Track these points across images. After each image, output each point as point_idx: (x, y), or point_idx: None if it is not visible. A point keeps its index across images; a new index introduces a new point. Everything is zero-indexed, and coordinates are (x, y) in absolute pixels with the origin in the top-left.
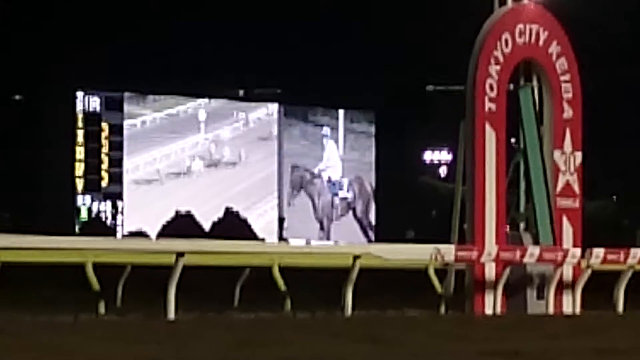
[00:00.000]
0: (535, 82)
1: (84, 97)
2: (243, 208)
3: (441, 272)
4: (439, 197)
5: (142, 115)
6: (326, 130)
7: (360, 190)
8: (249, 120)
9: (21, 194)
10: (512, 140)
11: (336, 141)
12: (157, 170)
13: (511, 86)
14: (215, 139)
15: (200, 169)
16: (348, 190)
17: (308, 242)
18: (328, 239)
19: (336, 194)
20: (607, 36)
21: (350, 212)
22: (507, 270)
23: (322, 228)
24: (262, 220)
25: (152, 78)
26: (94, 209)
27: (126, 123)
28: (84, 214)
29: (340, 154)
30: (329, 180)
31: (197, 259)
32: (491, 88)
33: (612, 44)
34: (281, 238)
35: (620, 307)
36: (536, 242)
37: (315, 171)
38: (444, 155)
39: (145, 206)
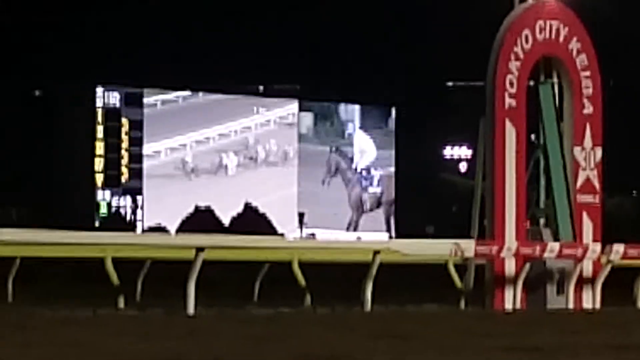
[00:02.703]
0: (555, 79)
1: (103, 92)
2: (262, 203)
3: (461, 268)
4: (459, 192)
5: (160, 111)
6: (350, 126)
7: (389, 185)
8: (268, 116)
9: (41, 189)
10: (532, 136)
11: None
12: (178, 164)
13: (531, 82)
14: (235, 134)
15: (216, 164)
16: (378, 185)
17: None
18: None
19: (366, 189)
20: (627, 32)
21: (382, 207)
22: (527, 266)
23: (354, 218)
24: (281, 215)
25: (171, 74)
26: (114, 204)
27: (145, 118)
28: (103, 209)
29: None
30: (361, 173)
31: (216, 254)
32: (511, 84)
33: (632, 40)
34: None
35: None
36: (556, 237)
37: (352, 161)
38: (464, 151)
39: (164, 201)
